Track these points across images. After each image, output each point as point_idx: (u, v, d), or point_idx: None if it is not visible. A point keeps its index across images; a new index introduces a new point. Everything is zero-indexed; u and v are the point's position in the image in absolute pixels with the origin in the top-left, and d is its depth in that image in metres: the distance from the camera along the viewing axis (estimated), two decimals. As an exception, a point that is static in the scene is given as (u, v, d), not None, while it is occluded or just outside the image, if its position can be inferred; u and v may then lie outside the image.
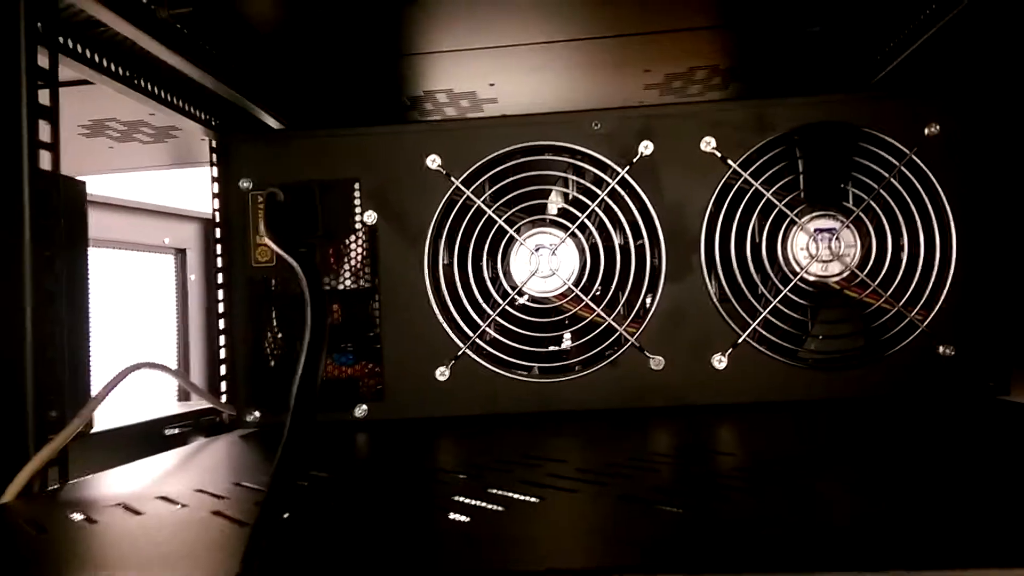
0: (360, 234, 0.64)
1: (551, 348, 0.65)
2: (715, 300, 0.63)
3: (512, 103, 0.81)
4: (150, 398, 0.93)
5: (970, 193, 0.62)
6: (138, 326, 1.20)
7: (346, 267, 0.65)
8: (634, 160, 0.63)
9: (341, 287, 0.65)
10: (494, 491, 0.37)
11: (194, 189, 1.14)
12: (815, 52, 0.71)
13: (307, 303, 0.41)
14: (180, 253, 1.27)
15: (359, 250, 0.65)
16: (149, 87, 0.59)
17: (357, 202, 0.64)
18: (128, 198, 1.12)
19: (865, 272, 0.62)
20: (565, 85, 0.78)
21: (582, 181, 0.64)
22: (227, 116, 0.69)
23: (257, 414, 0.64)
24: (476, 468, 0.45)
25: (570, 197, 0.65)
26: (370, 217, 0.64)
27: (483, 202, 0.64)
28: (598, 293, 0.64)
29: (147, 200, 1.16)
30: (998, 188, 0.62)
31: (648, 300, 0.63)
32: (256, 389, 0.64)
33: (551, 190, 0.65)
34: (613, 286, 0.64)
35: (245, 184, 0.64)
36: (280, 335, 0.64)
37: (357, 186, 0.64)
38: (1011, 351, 0.61)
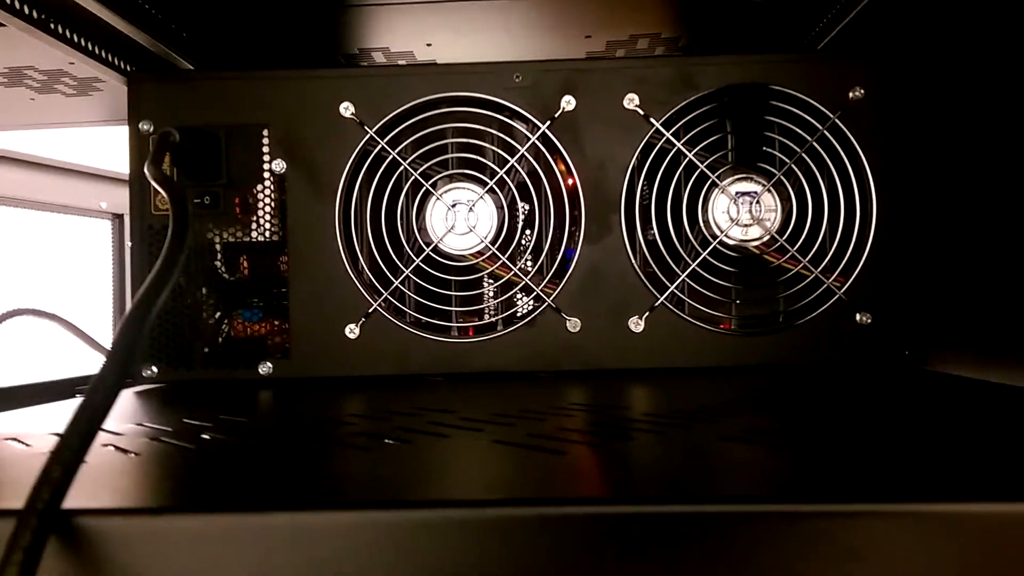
0: (268, 183, 0.62)
1: (466, 308, 0.63)
2: (634, 262, 0.61)
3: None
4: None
5: (891, 160, 0.61)
6: (73, 292, 1.15)
7: (254, 218, 0.62)
8: (555, 115, 0.61)
9: (249, 239, 0.62)
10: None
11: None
12: (758, 22, 0.69)
13: (168, 235, 0.39)
14: (117, 218, 1.22)
15: (268, 201, 0.62)
16: (62, 31, 0.56)
17: (265, 149, 0.61)
18: (66, 160, 1.07)
19: (784, 237, 0.61)
20: (504, 50, 0.76)
21: (502, 136, 0.62)
22: (145, 64, 0.65)
23: (154, 369, 0.61)
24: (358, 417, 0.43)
25: (489, 152, 0.63)
26: (279, 165, 0.61)
27: (398, 154, 0.61)
28: (516, 251, 0.62)
29: (87, 164, 1.11)
30: (918, 156, 0.61)
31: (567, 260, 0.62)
32: (153, 343, 0.61)
33: (469, 143, 0.62)
34: (532, 245, 0.62)
35: (145, 127, 0.61)
36: (180, 287, 0.61)
37: (266, 132, 0.61)
38: (927, 321, 0.61)
